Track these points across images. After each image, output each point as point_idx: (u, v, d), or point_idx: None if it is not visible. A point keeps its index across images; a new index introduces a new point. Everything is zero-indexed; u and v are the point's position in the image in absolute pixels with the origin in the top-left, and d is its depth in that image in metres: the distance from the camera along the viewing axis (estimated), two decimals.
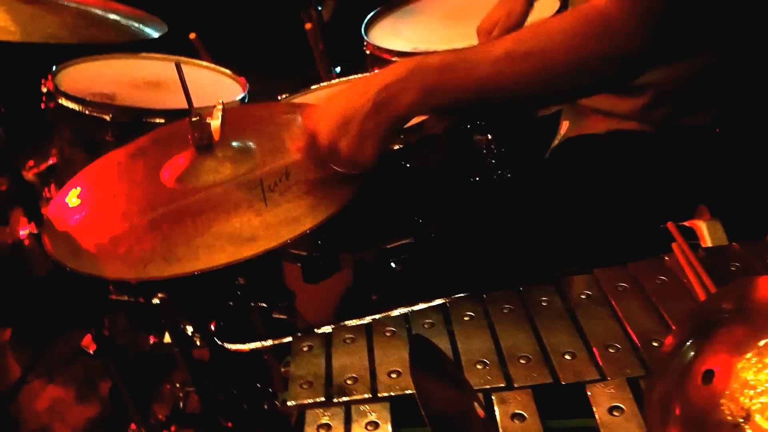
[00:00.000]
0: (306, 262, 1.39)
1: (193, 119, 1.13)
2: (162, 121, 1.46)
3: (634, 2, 0.98)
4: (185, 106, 1.53)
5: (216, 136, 1.13)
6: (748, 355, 0.72)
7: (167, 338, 1.59)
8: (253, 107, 1.61)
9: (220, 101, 1.15)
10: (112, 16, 1.52)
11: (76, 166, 1.55)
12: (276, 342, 1.06)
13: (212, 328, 1.34)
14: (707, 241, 1.15)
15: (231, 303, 1.25)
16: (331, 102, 1.08)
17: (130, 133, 1.39)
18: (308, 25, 1.74)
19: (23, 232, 1.76)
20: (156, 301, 1.57)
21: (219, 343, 1.18)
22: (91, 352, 1.45)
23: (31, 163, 2.19)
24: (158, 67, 1.68)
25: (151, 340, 1.75)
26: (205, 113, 1.14)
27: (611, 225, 1.27)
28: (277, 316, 1.39)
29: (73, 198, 1.20)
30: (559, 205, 1.31)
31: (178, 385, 1.72)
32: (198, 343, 1.58)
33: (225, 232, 1.00)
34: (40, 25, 1.37)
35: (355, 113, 1.03)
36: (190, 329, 1.56)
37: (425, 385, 0.72)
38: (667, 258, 1.05)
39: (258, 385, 1.42)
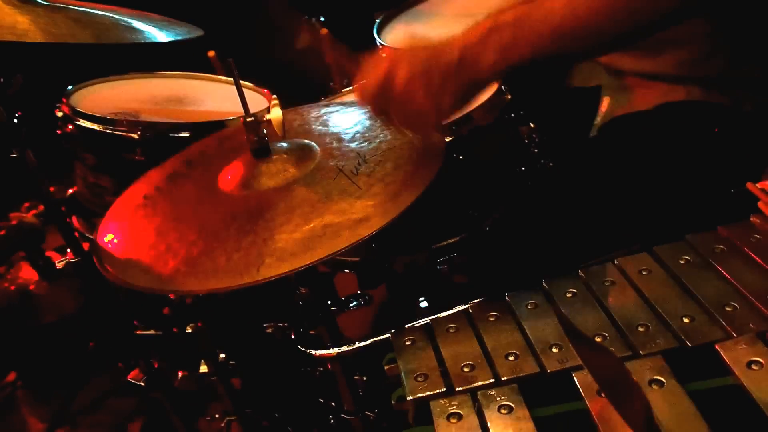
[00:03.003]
0: (362, 269, 1.34)
1: (248, 120, 1.08)
2: (189, 135, 1.40)
3: None
4: (212, 118, 1.51)
5: (279, 132, 1.08)
6: None
7: (203, 368, 1.52)
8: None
9: (274, 97, 1.11)
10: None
11: (104, 192, 1.48)
12: (364, 344, 1.01)
13: (291, 335, 1.27)
14: None
15: (297, 312, 1.19)
16: (415, 52, 1.04)
17: (159, 151, 1.33)
18: (324, 31, 1.71)
19: (59, 263, 1.67)
20: (189, 330, 1.51)
21: (303, 349, 1.12)
22: (142, 384, 1.36)
23: (26, 204, 2.11)
24: (177, 84, 1.62)
25: (180, 374, 1.67)
26: (261, 114, 1.10)
27: (670, 200, 1.25)
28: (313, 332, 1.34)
29: (119, 231, 1.15)
30: (614, 186, 1.28)
31: (217, 416, 1.64)
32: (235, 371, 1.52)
33: (332, 221, 0.95)
34: (61, 27, 1.30)
35: (439, 68, 1.00)
36: (223, 356, 1.50)
37: (589, 357, 0.68)
38: (753, 218, 1.04)
39: (320, 399, 1.35)
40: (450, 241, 1.31)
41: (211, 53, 1.58)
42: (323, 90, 1.79)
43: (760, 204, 1.03)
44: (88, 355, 1.95)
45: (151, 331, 1.64)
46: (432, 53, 1.03)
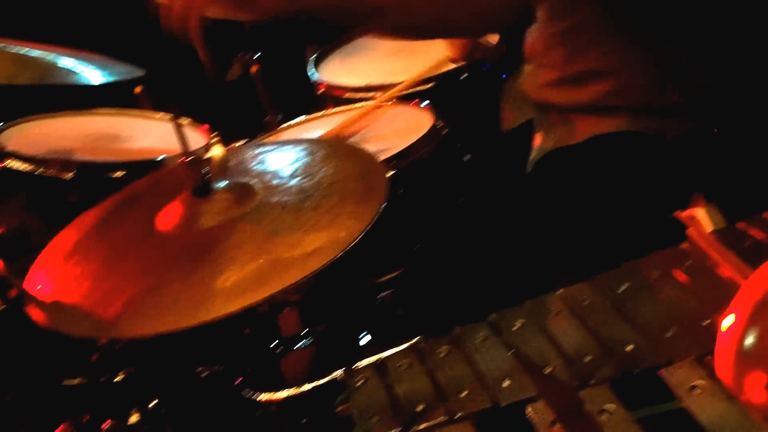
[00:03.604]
0: (304, 305, 1.33)
1: (189, 159, 1.07)
2: (125, 174, 1.37)
3: None
4: (149, 157, 1.48)
5: (220, 171, 1.07)
6: None
7: (133, 418, 1.46)
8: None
9: (215, 134, 1.10)
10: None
11: (32, 236, 1.43)
12: (314, 385, 1.00)
13: (231, 379, 1.24)
14: (708, 227, 1.19)
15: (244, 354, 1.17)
16: None
17: (93, 192, 1.29)
18: (254, 68, 1.71)
19: None
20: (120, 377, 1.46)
21: (247, 394, 1.10)
22: None
23: None
24: (112, 122, 1.59)
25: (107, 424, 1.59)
26: (202, 153, 1.08)
27: (606, 229, 1.29)
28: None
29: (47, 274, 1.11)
30: (552, 218, 1.32)
31: None
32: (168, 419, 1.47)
33: (280, 257, 0.95)
34: None
35: None
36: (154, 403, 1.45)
37: (544, 388, 0.70)
38: (684, 246, 1.08)
39: None
40: (392, 274, 1.33)
41: (138, 89, 1.55)
42: (257, 124, 1.78)
43: (689, 231, 1.08)
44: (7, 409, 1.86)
45: (78, 381, 1.58)
46: None
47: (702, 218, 1.23)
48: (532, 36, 1.41)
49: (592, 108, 1.36)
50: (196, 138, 1.54)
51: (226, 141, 1.66)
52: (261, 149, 1.31)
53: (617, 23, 1.28)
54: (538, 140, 1.47)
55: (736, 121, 1.34)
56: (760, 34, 1.34)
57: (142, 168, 1.34)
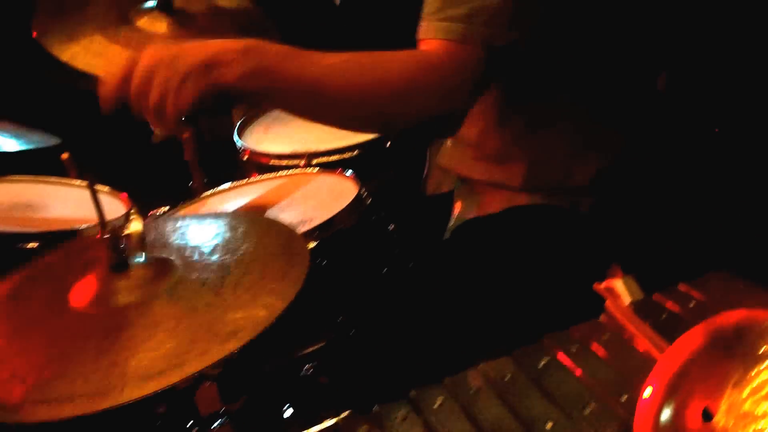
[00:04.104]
0: (224, 380, 1.30)
1: (105, 232, 1.03)
2: (38, 245, 1.32)
3: (459, 60, 1.13)
4: (64, 227, 1.43)
5: (138, 246, 1.04)
6: (745, 389, 0.77)
7: None
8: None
9: (133, 206, 1.07)
10: None
11: None
12: None
13: None
14: (626, 298, 1.22)
15: None
16: (167, 47, 1.07)
17: (2, 263, 1.24)
18: (186, 135, 1.69)
19: None
20: None
21: None
22: None
23: None
24: (25, 190, 1.53)
25: None
26: (120, 227, 1.05)
27: (526, 301, 1.32)
28: None
29: None
30: (471, 288, 1.34)
31: None
32: None
33: (199, 336, 0.92)
34: None
35: (185, 65, 1.03)
36: None
37: None
38: (602, 319, 1.11)
39: None
40: (315, 347, 1.31)
41: (65, 155, 1.51)
42: (182, 190, 1.76)
43: (606, 304, 1.10)
44: None
45: None
46: (183, 49, 1.06)
47: (620, 290, 1.27)
48: None
49: (510, 186, 1.40)
50: (115, 206, 1.50)
51: (148, 208, 1.63)
52: (181, 222, 1.29)
53: (519, 109, 1.34)
54: (457, 209, 1.50)
55: (649, 194, 1.40)
56: (658, 119, 1.43)
57: (56, 238, 1.30)
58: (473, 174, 1.46)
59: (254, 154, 1.69)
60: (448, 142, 1.49)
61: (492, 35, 1.13)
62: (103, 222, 1.04)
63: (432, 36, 1.15)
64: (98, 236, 1.04)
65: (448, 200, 1.54)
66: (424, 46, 1.17)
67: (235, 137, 1.76)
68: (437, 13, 1.15)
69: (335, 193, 1.47)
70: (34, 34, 1.67)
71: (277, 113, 1.89)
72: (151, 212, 1.66)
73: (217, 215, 1.21)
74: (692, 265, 1.24)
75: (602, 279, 1.26)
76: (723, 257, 1.36)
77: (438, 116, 1.18)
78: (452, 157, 1.48)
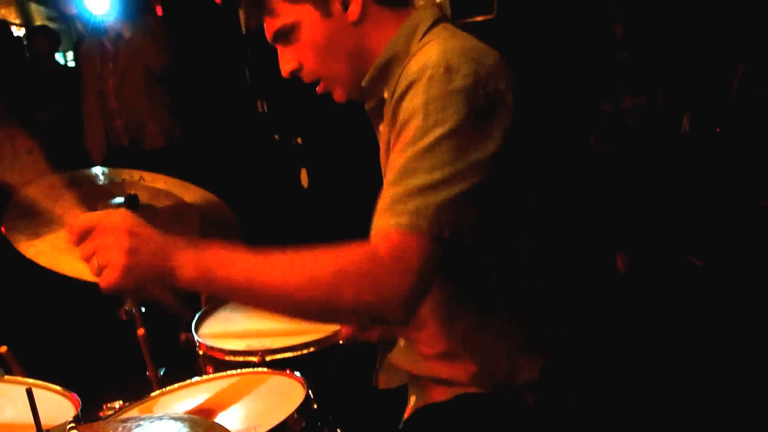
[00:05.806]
0: None
1: None
2: None
3: (405, 250, 1.18)
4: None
5: None
6: None
7: None
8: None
9: (70, 422, 1.08)
10: None
11: None
12: None
13: None
14: None
15: None
16: (141, 229, 1.23)
17: None
18: (141, 331, 1.72)
19: None
20: None
21: None
22: None
23: None
24: None
25: None
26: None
27: None
28: None
29: None
30: None
31: None
32: None
33: None
34: None
35: (148, 255, 1.19)
36: None
37: None
38: None
39: None
40: None
41: (3, 348, 1.52)
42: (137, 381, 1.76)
43: None
44: None
45: None
46: (156, 245, 1.20)
47: None
48: None
49: (459, 382, 1.43)
50: (64, 409, 1.48)
51: (102, 402, 1.62)
52: (130, 424, 1.29)
53: (467, 307, 1.39)
54: (411, 401, 1.52)
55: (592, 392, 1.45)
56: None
57: None
58: (423, 371, 1.49)
59: (209, 349, 1.72)
60: (401, 342, 1.53)
61: (440, 225, 1.18)
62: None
63: (381, 228, 1.20)
64: None
65: (400, 394, 1.56)
66: (373, 241, 1.21)
67: (193, 332, 1.79)
68: (387, 209, 1.21)
69: (284, 396, 1.48)
70: (2, 229, 1.73)
71: (232, 306, 1.93)
72: (105, 406, 1.66)
73: (167, 416, 1.21)
74: None
75: None
76: None
77: (387, 306, 1.20)
78: (405, 356, 1.52)
